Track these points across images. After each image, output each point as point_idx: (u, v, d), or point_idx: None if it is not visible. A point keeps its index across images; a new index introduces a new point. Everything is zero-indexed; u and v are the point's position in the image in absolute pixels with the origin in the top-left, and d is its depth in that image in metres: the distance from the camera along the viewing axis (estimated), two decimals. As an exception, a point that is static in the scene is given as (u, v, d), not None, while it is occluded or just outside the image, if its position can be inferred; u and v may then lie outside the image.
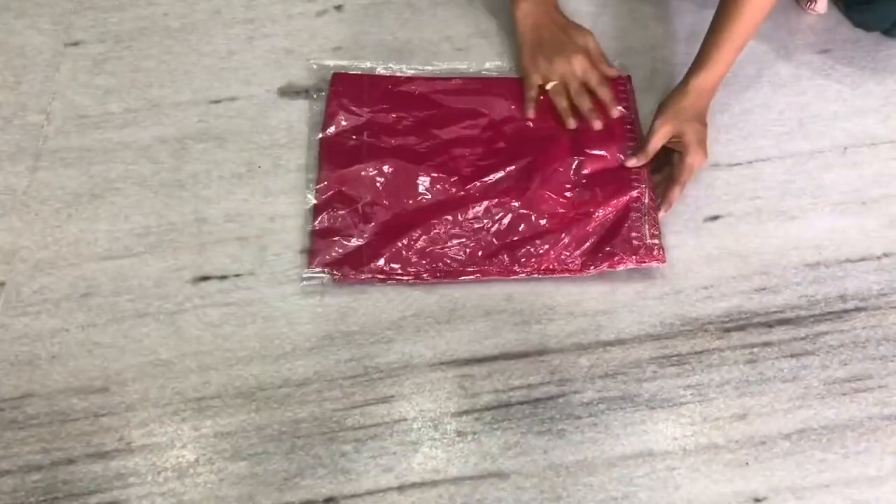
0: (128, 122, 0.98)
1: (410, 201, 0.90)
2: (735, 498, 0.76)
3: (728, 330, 0.85)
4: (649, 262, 0.86)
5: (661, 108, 0.91)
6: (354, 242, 0.87)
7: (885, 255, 0.88)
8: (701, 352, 0.83)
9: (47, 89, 1.00)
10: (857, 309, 0.86)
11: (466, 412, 0.80)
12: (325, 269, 0.86)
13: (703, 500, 0.76)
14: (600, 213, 0.88)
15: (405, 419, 0.80)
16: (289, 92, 1.00)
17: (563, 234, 0.87)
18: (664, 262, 0.86)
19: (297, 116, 0.98)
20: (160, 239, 0.90)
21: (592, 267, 0.86)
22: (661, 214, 0.89)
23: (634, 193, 0.89)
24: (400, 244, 0.87)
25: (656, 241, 0.86)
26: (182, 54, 1.03)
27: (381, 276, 0.86)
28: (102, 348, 0.84)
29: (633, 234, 0.87)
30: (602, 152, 0.92)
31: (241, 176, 0.94)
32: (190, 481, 0.77)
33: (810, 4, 1.04)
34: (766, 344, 0.84)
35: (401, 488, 0.77)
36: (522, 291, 0.87)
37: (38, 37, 1.05)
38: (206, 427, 0.80)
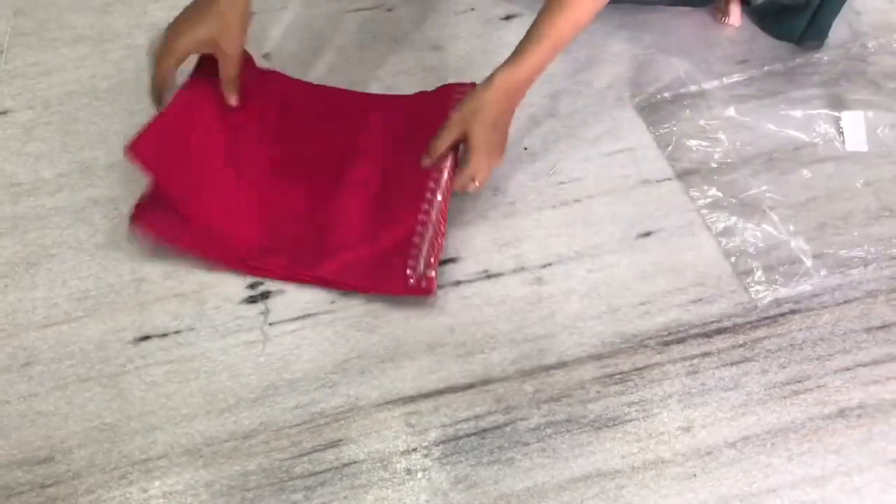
0: (60, 186, 0.98)
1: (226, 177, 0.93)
2: (685, 511, 0.77)
3: (667, 343, 0.86)
4: (417, 293, 0.87)
5: (459, 106, 0.89)
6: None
7: (815, 256, 0.90)
8: (642, 368, 0.84)
9: (-23, 160, 1.00)
10: (792, 312, 0.87)
11: (415, 450, 0.81)
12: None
13: (654, 516, 0.77)
14: (388, 230, 0.90)
15: (354, 462, 0.80)
16: (221, 143, 1.00)
17: (349, 247, 0.89)
18: (433, 294, 0.87)
19: (231, 167, 0.98)
20: (99, 302, 0.90)
21: (363, 285, 0.88)
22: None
23: (421, 216, 0.89)
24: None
25: (431, 273, 0.87)
26: (112, 115, 1.04)
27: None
28: (46, 417, 0.83)
29: (410, 263, 0.87)
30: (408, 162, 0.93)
31: (176, 231, 0.94)
32: (141, 545, 0.77)
33: (724, 18, 1.07)
34: (706, 354, 0.85)
35: (354, 532, 0.77)
36: (464, 322, 0.87)
37: (-34, 108, 1.05)
38: (155, 488, 0.79)
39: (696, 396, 0.83)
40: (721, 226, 0.92)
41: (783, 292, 0.88)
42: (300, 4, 1.13)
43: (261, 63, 1.07)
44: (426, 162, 0.91)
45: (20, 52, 1.09)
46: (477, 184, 0.90)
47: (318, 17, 1.12)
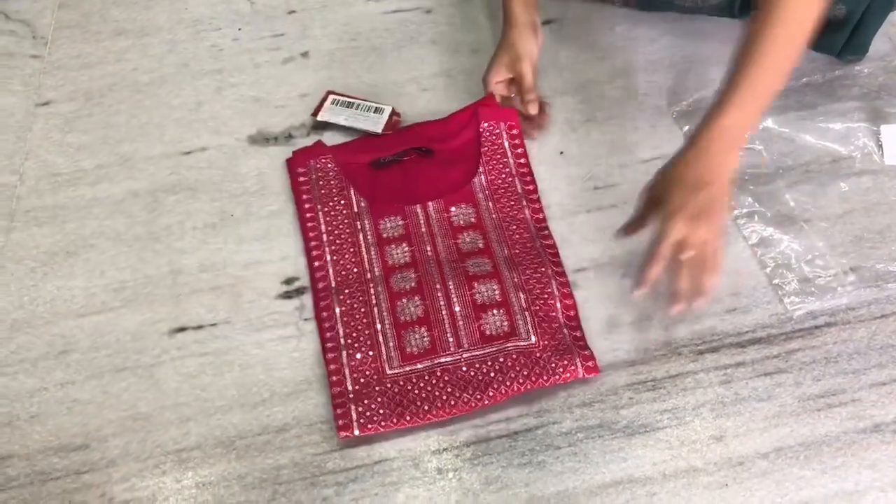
0: (100, 177, 0.99)
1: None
2: (716, 520, 0.77)
3: (701, 352, 0.86)
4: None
5: (652, 180, 0.81)
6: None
7: (852, 269, 0.90)
8: (675, 375, 0.84)
9: (20, 149, 1.02)
10: (828, 324, 0.87)
11: (446, 449, 0.81)
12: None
13: (685, 525, 0.77)
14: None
15: (385, 459, 0.80)
16: (259, 139, 1.01)
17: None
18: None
19: (268, 163, 0.99)
20: (136, 293, 0.91)
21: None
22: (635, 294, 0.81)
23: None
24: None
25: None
26: (152, 108, 1.05)
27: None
28: (81, 405, 0.84)
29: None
30: None
31: (214, 225, 0.95)
32: (173, 534, 0.77)
33: (765, 28, 1.06)
34: (740, 364, 0.85)
35: (384, 529, 0.77)
36: (497, 325, 0.88)
37: (9, 98, 1.06)
38: (188, 479, 0.80)
39: (728, 406, 0.82)
40: (757, 236, 0.92)
41: (818, 304, 0.88)
42: (339, 4, 1.14)
43: (298, 61, 1.09)
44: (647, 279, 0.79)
45: (63, 44, 1.11)
46: (689, 252, 0.76)
47: (357, 16, 1.13)
